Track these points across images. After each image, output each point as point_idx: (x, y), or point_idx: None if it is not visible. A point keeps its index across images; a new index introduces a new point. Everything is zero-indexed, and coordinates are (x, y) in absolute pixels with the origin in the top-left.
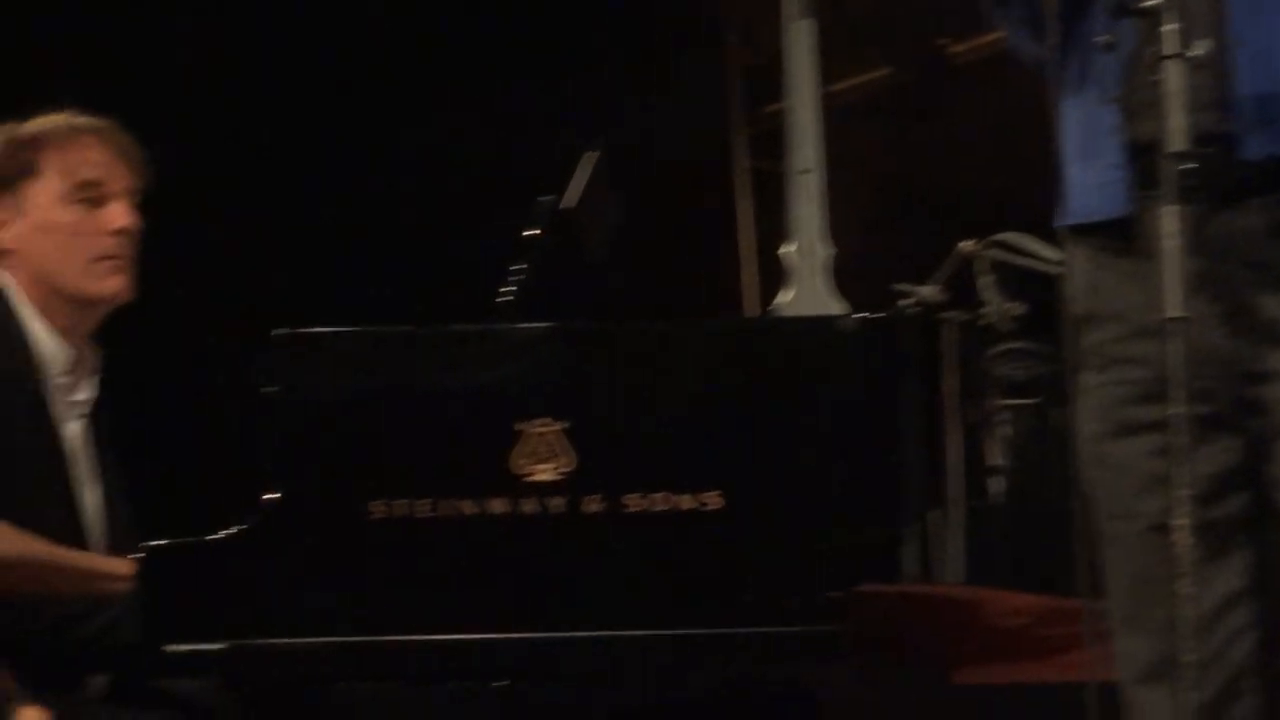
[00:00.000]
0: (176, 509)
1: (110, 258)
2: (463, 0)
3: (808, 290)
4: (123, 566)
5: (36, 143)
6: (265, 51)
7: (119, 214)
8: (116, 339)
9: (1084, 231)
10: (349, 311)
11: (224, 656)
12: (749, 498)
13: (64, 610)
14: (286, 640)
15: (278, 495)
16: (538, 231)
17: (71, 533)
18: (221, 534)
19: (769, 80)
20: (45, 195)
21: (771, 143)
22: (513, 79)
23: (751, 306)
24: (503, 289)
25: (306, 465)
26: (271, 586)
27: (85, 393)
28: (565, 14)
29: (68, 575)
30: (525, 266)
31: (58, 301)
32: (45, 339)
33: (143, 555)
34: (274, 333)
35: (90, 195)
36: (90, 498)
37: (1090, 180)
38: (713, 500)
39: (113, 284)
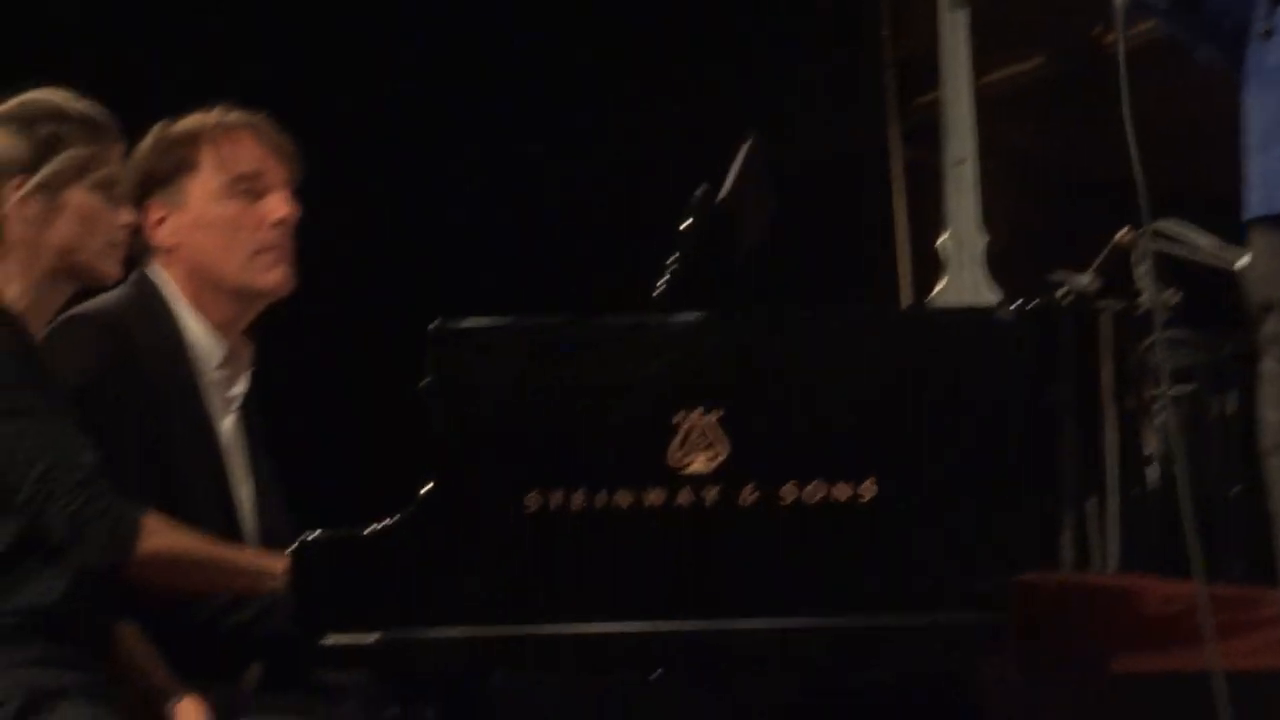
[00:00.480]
0: (332, 502)
1: (272, 249)
2: None
3: (963, 280)
4: (278, 563)
5: (192, 139)
6: (426, 43)
7: (279, 205)
8: (272, 333)
9: (1268, 221)
10: (505, 304)
11: (378, 648)
12: (905, 487)
13: (217, 601)
14: (441, 632)
15: (433, 487)
16: (693, 222)
17: (227, 528)
18: (376, 526)
19: (923, 71)
20: (203, 190)
21: (925, 134)
22: (671, 70)
23: (906, 296)
24: (658, 280)
25: (462, 457)
26: (426, 578)
27: (239, 387)
28: (724, 6)
29: (225, 571)
30: (680, 257)
31: (216, 296)
32: (200, 334)
33: (297, 548)
34: (430, 326)
35: (248, 188)
36: (244, 493)
37: (1273, 171)
38: (868, 490)
39: (275, 275)
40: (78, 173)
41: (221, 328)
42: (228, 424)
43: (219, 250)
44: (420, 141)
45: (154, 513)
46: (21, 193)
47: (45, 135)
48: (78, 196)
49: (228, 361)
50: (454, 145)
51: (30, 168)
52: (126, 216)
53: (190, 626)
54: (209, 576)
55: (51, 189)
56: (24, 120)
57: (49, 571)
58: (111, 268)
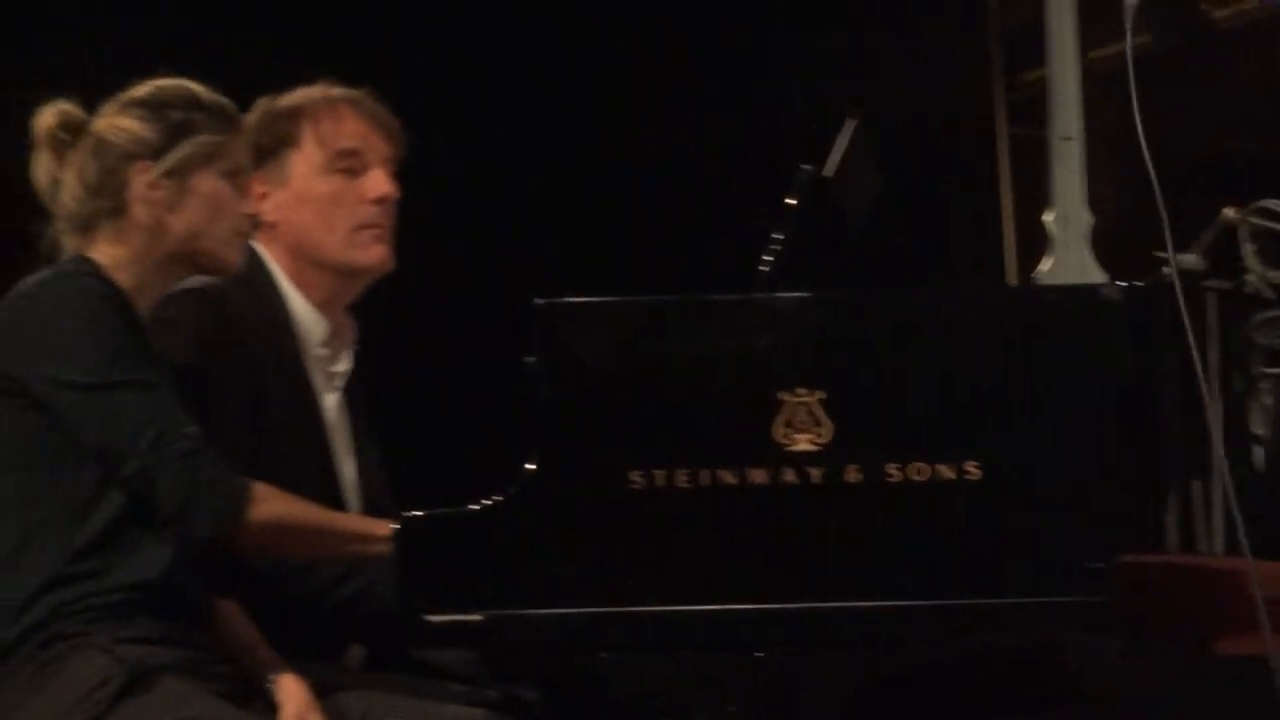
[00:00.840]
0: (435, 480)
1: (372, 226)
2: None
3: (1069, 258)
4: (382, 528)
5: (294, 114)
6: (522, 17)
7: (379, 182)
8: (376, 311)
9: None
10: (610, 281)
11: (481, 628)
12: (1009, 468)
13: (319, 577)
14: (545, 611)
15: (537, 466)
16: (797, 200)
17: (331, 505)
18: (480, 504)
19: (1029, 46)
20: (305, 165)
21: (1031, 109)
22: (774, 45)
23: (1011, 275)
24: (763, 258)
25: (565, 435)
26: (530, 557)
27: (343, 365)
28: None
29: (332, 536)
30: (785, 235)
31: (317, 273)
32: (303, 310)
33: (400, 527)
34: (535, 302)
35: (349, 165)
36: (347, 470)
37: None
38: (972, 470)
39: (375, 253)
40: (207, 159)
41: (322, 305)
42: (331, 401)
43: (319, 226)
44: (522, 118)
45: (260, 483)
46: (150, 176)
47: (177, 121)
48: (207, 182)
49: (331, 339)
50: (557, 121)
51: (158, 153)
52: (250, 206)
53: (292, 604)
54: (317, 542)
55: (181, 174)
56: (155, 105)
57: (153, 545)
58: (234, 256)
